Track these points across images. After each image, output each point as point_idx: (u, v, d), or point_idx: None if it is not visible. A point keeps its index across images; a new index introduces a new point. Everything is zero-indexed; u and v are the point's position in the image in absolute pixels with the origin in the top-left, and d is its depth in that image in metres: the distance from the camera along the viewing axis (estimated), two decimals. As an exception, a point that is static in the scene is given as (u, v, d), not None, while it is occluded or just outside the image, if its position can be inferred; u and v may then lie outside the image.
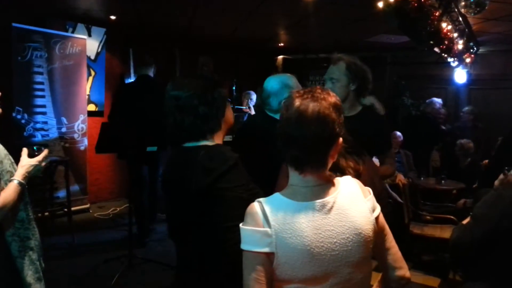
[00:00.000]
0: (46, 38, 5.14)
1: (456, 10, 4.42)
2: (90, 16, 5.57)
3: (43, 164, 1.88)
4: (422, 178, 5.20)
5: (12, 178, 1.75)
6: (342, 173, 1.53)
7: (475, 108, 6.38)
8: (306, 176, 1.17)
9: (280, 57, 8.39)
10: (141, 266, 3.78)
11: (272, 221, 1.13)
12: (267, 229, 1.12)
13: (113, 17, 5.64)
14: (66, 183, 4.71)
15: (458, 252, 1.60)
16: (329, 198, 1.17)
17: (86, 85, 5.75)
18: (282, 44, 7.48)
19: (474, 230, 1.50)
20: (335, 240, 1.14)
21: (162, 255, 4.00)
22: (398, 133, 5.90)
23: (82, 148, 5.57)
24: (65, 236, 4.49)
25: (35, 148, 1.90)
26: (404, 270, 1.27)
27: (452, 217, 4.00)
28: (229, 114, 1.61)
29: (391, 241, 1.28)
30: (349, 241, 1.15)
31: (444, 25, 4.44)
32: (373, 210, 1.23)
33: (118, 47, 6.30)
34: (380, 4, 3.37)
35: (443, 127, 6.30)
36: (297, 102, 1.16)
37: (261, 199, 1.19)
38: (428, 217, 4.42)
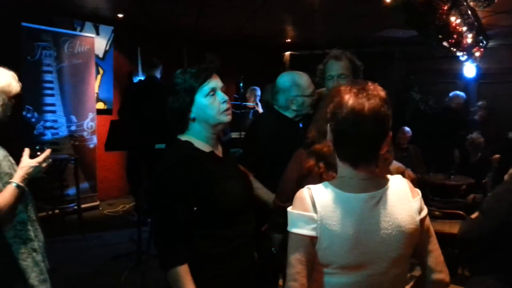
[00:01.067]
0: (55, 37, 5.19)
1: (464, 3, 4.37)
2: (98, 14, 5.60)
3: (44, 165, 1.83)
4: (430, 174, 5.17)
5: (10, 180, 1.72)
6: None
7: (488, 103, 6.32)
8: (359, 170, 1.21)
9: (287, 53, 8.37)
10: (150, 263, 3.80)
11: (319, 207, 1.17)
12: (313, 214, 1.17)
13: (120, 15, 5.67)
14: (75, 180, 4.76)
15: (466, 246, 1.60)
16: (377, 193, 1.20)
17: (95, 84, 5.79)
18: (289, 40, 7.46)
19: (482, 224, 1.49)
20: (377, 233, 1.17)
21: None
22: (407, 129, 5.86)
23: (91, 146, 5.62)
24: (75, 233, 4.55)
25: (37, 147, 1.87)
26: (444, 275, 1.27)
27: (461, 212, 3.98)
28: (209, 113, 1.59)
29: (434, 243, 1.29)
30: (390, 236, 1.18)
31: (452, 19, 4.39)
32: (420, 211, 1.25)
33: (126, 45, 6.34)
34: (387, -1, 3.34)
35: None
36: (351, 101, 1.16)
37: (310, 186, 1.23)
38: (437, 213, 4.40)
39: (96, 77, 5.85)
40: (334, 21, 5.69)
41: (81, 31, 5.70)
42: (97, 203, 5.71)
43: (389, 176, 1.27)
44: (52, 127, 5.19)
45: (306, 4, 4.80)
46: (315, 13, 5.25)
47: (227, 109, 1.61)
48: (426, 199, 4.64)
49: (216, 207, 1.55)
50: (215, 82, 1.61)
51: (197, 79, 1.59)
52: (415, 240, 1.23)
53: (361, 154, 1.19)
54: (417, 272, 1.37)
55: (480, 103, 6.35)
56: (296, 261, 1.17)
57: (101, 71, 6.07)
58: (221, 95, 1.61)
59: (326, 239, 1.16)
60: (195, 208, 1.51)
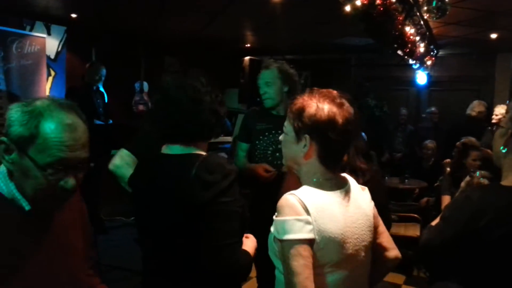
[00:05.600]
0: (2, 36, 4.88)
1: (418, 14, 4.56)
2: (49, 13, 5.34)
3: None
4: (386, 178, 5.32)
5: None
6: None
7: (438, 109, 6.59)
8: (334, 172, 1.31)
9: (247, 58, 8.36)
10: (107, 275, 3.64)
11: (311, 209, 1.19)
12: (308, 217, 1.18)
13: (74, 15, 5.44)
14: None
15: (429, 253, 1.64)
16: (346, 188, 1.31)
17: (46, 86, 5.51)
18: (249, 45, 7.47)
19: (444, 232, 1.53)
20: (355, 225, 1.26)
21: (127, 261, 3.88)
22: (362, 134, 6.01)
23: (42, 151, 5.33)
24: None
25: None
26: (397, 251, 1.44)
27: (415, 215, 4.12)
28: None
29: (383, 226, 1.43)
30: (363, 225, 1.29)
31: (407, 29, 4.56)
32: (370, 200, 1.39)
33: (80, 46, 6.08)
34: (348, 8, 3.42)
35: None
36: (342, 112, 1.26)
37: (293, 192, 1.23)
38: (393, 216, 4.52)
39: (47, 79, 5.57)
40: (294, 27, 5.75)
41: (31, 30, 5.42)
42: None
43: (342, 174, 1.38)
44: (-2, 132, 4.88)
45: (267, 10, 4.82)
46: (276, 19, 5.29)
47: None
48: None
49: None
50: None
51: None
52: (374, 225, 1.36)
53: (342, 158, 1.32)
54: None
55: (432, 109, 6.60)
56: (302, 267, 1.14)
57: (52, 73, 5.79)
58: None
59: (322, 239, 1.18)
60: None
